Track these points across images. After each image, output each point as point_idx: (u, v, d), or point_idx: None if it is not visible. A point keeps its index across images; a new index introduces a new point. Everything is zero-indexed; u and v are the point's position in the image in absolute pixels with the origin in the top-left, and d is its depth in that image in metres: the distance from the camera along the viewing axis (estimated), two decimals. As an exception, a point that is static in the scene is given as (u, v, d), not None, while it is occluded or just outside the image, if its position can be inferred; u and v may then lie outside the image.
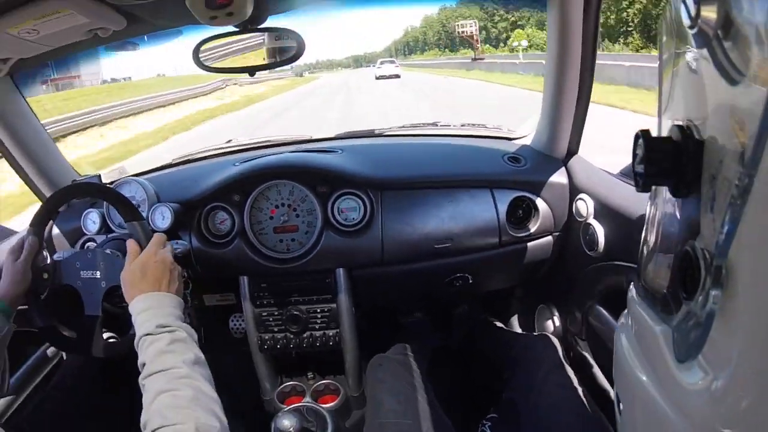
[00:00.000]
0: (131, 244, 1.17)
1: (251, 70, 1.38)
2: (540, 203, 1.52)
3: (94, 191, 1.41)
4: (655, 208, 0.62)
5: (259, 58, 1.37)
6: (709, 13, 0.42)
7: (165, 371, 0.89)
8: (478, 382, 1.68)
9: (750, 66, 0.37)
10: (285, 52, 1.36)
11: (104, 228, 1.56)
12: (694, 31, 0.45)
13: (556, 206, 1.52)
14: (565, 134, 1.52)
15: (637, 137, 0.53)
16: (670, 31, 0.55)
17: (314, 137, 2.02)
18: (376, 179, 1.54)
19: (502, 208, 1.50)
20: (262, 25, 1.35)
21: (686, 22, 0.46)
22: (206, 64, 1.35)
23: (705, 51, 0.44)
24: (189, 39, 1.49)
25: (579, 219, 1.41)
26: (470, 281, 1.59)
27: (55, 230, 1.65)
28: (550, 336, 1.53)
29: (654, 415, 0.51)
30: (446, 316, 1.97)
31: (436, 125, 1.95)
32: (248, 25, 1.31)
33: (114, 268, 1.28)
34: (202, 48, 1.34)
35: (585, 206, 1.39)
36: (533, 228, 1.52)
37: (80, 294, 1.32)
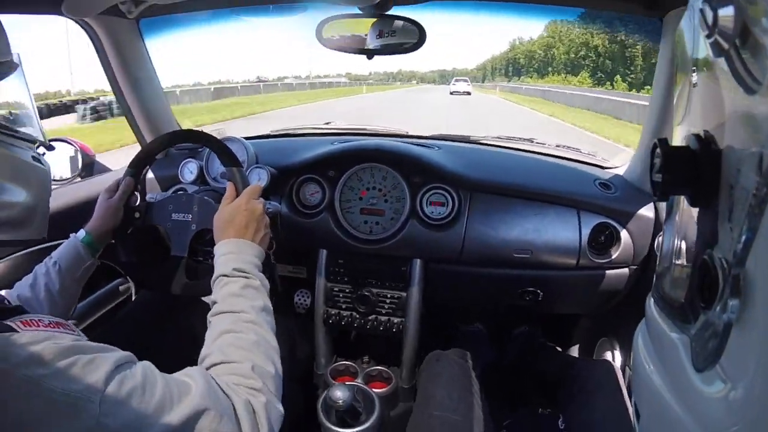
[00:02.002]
0: (229, 188, 1.20)
1: (369, 54, 1.41)
2: (623, 233, 1.50)
3: (199, 138, 1.46)
4: (673, 217, 0.62)
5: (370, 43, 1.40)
6: (727, 22, 0.41)
7: (233, 313, 0.92)
8: (531, 399, 1.67)
9: (767, 74, 0.37)
10: (402, 42, 1.38)
11: (200, 180, 1.62)
12: (711, 40, 0.44)
13: (638, 239, 1.50)
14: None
15: (654, 146, 0.53)
16: (686, 40, 0.55)
17: (410, 133, 2.05)
18: (468, 179, 1.55)
19: (586, 231, 1.49)
20: (387, 12, 1.38)
21: (703, 31, 0.45)
22: (328, 41, 1.39)
23: (722, 60, 0.44)
24: (309, 19, 1.55)
25: (659, 255, 1.40)
26: (540, 298, 1.59)
27: (150, 175, 1.72)
28: (611, 363, 1.52)
29: (672, 425, 0.50)
30: (505, 333, 1.96)
31: (532, 141, 1.95)
32: (373, 10, 1.35)
33: (206, 213, 1.33)
34: (326, 26, 1.38)
35: (666, 242, 1.37)
36: (612, 256, 1.51)
37: (168, 235, 1.37)
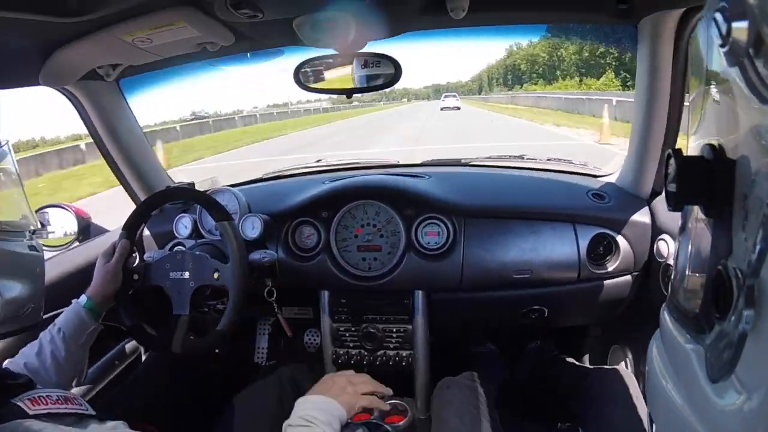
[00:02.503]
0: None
1: (348, 93, 1.41)
2: (621, 241, 1.50)
3: (188, 195, 1.47)
4: (688, 227, 0.61)
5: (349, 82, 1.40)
6: (740, 31, 0.41)
7: None
8: (545, 413, 1.67)
9: None
10: (380, 77, 1.39)
11: (195, 233, 1.63)
12: (725, 49, 0.44)
13: (637, 245, 1.50)
14: (651, 174, 1.51)
15: (668, 156, 0.53)
16: (701, 49, 0.54)
17: (401, 162, 2.06)
18: (460, 206, 1.55)
19: (583, 244, 1.49)
20: (362, 50, 1.39)
21: (717, 41, 0.45)
22: (306, 83, 1.40)
23: (736, 69, 0.43)
24: (284, 63, 1.56)
25: (659, 260, 1.39)
26: (546, 315, 1.59)
27: (146, 232, 1.74)
28: (624, 371, 1.51)
29: None
30: (517, 350, 1.96)
31: (522, 158, 1.95)
32: (348, 50, 1.36)
33: (202, 269, 1.35)
34: (302, 69, 1.38)
35: (666, 247, 1.36)
36: (613, 266, 1.51)
37: (169, 294, 1.38)
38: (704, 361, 0.48)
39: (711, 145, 0.49)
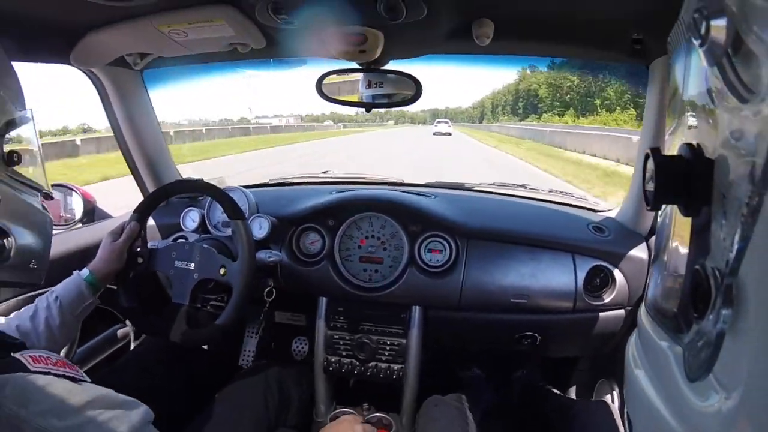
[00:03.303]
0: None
1: (368, 107, 1.45)
2: (618, 275, 1.53)
3: (206, 189, 1.49)
4: (665, 227, 0.62)
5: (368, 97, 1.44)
6: (719, 30, 0.41)
7: None
8: None
9: (760, 84, 0.37)
10: (399, 95, 1.43)
11: (201, 228, 1.64)
12: (704, 49, 0.44)
13: (633, 280, 1.53)
14: (651, 212, 1.55)
15: (647, 156, 0.53)
16: (678, 51, 0.56)
17: (406, 182, 2.10)
18: (465, 227, 1.58)
19: (581, 275, 1.52)
20: (384, 67, 1.43)
21: (696, 41, 0.45)
22: (327, 94, 1.44)
23: (715, 69, 0.43)
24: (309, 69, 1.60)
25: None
26: (538, 342, 1.60)
27: (150, 222, 1.75)
28: (610, 404, 1.53)
29: None
30: (504, 377, 1.97)
31: (525, 187, 1.99)
32: (371, 65, 1.40)
33: (208, 262, 1.37)
34: (325, 79, 1.42)
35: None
36: (608, 299, 1.53)
37: (170, 282, 1.40)
38: (682, 360, 0.48)
39: (689, 145, 0.50)
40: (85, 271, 1.27)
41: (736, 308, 0.39)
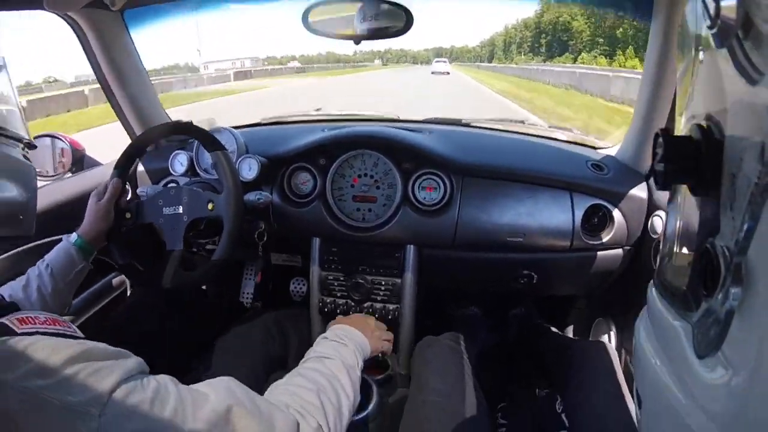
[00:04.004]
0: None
1: (356, 39, 1.40)
2: (616, 214, 1.50)
3: (181, 129, 1.45)
4: (675, 205, 0.62)
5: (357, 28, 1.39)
6: (729, 12, 0.41)
7: (322, 358, 0.99)
8: (526, 380, 1.68)
9: None
10: (390, 27, 1.37)
11: (190, 171, 1.62)
12: (714, 30, 0.44)
13: (631, 220, 1.50)
14: (651, 150, 1.50)
15: (657, 136, 0.53)
16: (689, 31, 0.55)
17: (402, 118, 2.04)
18: (460, 163, 1.55)
19: (579, 213, 1.49)
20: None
21: (706, 22, 0.46)
22: (315, 27, 1.38)
23: (725, 51, 0.44)
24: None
25: (653, 236, 1.40)
26: (534, 281, 1.59)
27: (140, 168, 1.72)
28: (607, 344, 1.52)
29: (674, 411, 0.50)
30: (501, 316, 1.97)
31: (524, 123, 1.94)
32: (360, -6, 1.34)
33: (197, 203, 1.34)
34: (311, 11, 1.36)
35: (661, 223, 1.37)
36: (606, 238, 1.51)
37: (162, 230, 1.38)
38: (691, 337, 0.49)
39: (699, 125, 0.50)
40: (74, 236, 1.26)
41: (745, 287, 0.39)
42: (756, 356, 0.37)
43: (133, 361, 0.67)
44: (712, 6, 0.43)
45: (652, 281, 0.66)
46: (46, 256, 1.22)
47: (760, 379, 0.37)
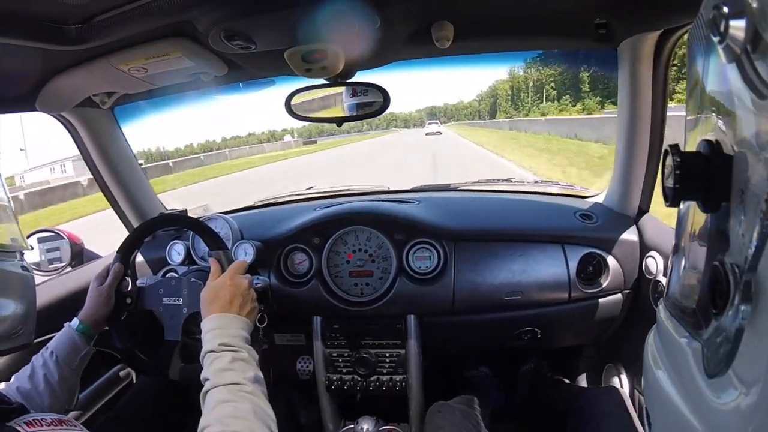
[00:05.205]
0: (214, 265, 1.22)
1: (339, 121, 1.45)
2: (610, 260, 1.52)
3: (182, 222, 1.48)
4: (685, 223, 0.61)
5: (339, 111, 1.44)
6: (738, 28, 0.41)
7: (226, 385, 0.94)
8: None
9: None
10: (370, 106, 1.42)
11: (188, 260, 1.64)
12: (723, 45, 0.44)
13: (626, 264, 1.52)
14: (637, 193, 1.53)
15: (666, 153, 0.52)
16: (696, 48, 0.56)
17: (391, 189, 2.08)
18: (451, 230, 1.57)
19: (573, 264, 1.51)
20: (351, 79, 1.42)
21: (715, 38, 0.45)
22: (297, 113, 1.42)
23: (734, 66, 0.43)
24: (278, 90, 1.58)
25: (648, 276, 1.41)
26: (539, 336, 1.59)
27: (139, 258, 1.74)
28: (619, 388, 1.51)
29: (683, 430, 0.49)
30: (512, 373, 1.95)
31: (511, 181, 1.98)
32: (338, 79, 1.39)
33: (196, 296, 1.34)
34: (293, 98, 1.41)
35: (654, 263, 1.39)
36: (603, 285, 1.52)
37: (161, 319, 1.38)
38: (701, 356, 0.48)
39: (708, 141, 0.50)
40: (75, 322, 1.26)
41: (755, 304, 0.39)
42: (766, 374, 0.37)
43: None
44: (721, 21, 0.43)
45: (661, 299, 0.65)
46: (49, 344, 1.21)
47: None
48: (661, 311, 0.64)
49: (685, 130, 0.61)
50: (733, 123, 0.45)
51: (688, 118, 0.61)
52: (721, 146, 0.48)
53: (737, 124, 0.45)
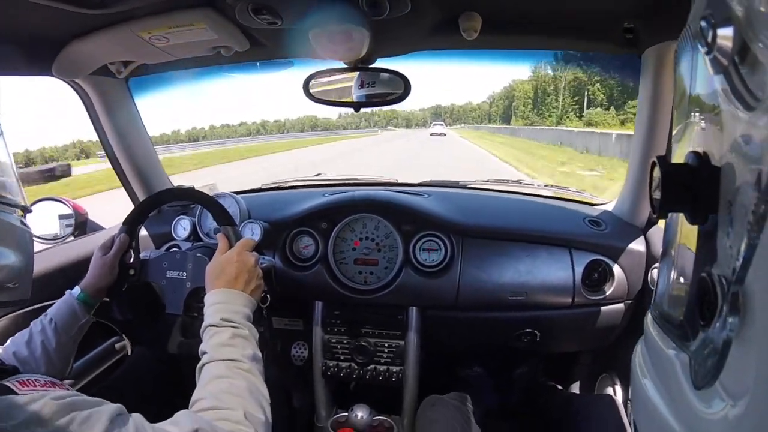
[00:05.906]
0: (221, 241, 1.21)
1: (356, 106, 1.43)
2: (616, 269, 1.51)
3: (194, 197, 1.46)
4: (672, 235, 0.61)
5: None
6: (725, 39, 0.41)
7: (224, 361, 0.93)
8: None
9: (766, 91, 0.37)
10: (388, 94, 1.41)
11: (193, 236, 1.62)
12: (710, 57, 0.44)
13: (631, 274, 1.51)
14: (647, 204, 1.52)
15: (653, 164, 0.52)
16: (685, 58, 0.56)
17: (400, 182, 2.08)
18: (459, 225, 1.56)
19: (579, 270, 1.50)
20: (372, 65, 1.41)
21: (702, 48, 0.45)
22: (315, 95, 1.42)
23: (721, 77, 0.43)
24: (295, 71, 1.57)
25: (653, 288, 1.41)
26: (537, 338, 1.59)
27: (143, 232, 1.73)
28: (614, 397, 1.51)
29: None
30: (506, 375, 1.95)
31: (520, 183, 1.97)
32: (359, 64, 1.38)
33: (201, 271, 1.33)
34: (312, 80, 1.40)
35: (660, 276, 1.38)
36: (607, 293, 1.52)
37: (164, 292, 1.37)
38: (689, 368, 0.48)
39: (696, 153, 0.50)
40: (77, 290, 1.24)
41: (743, 316, 0.39)
42: (754, 386, 0.37)
43: (114, 406, 0.69)
44: (708, 32, 0.43)
45: (649, 311, 0.66)
46: (49, 311, 1.20)
47: (757, 410, 0.36)
48: (649, 321, 0.64)
49: (671, 141, 0.62)
50: (721, 134, 0.46)
51: (675, 129, 0.61)
52: (708, 158, 0.48)
53: (725, 136, 0.45)
